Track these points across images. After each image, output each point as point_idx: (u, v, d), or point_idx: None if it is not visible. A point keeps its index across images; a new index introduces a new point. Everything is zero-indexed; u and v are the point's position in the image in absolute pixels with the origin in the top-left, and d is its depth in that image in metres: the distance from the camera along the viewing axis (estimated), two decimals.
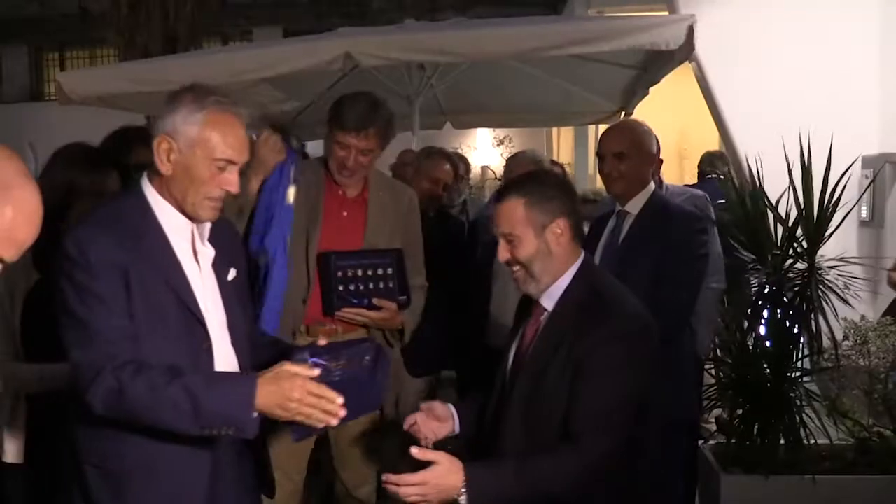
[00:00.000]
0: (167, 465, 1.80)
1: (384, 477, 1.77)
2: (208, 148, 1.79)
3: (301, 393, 1.67)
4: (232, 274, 1.97)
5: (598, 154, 2.85)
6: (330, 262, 2.63)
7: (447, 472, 1.76)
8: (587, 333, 1.87)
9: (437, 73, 4.97)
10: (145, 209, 1.83)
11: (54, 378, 2.19)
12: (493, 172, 10.74)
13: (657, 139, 2.93)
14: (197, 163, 1.79)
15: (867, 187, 3.74)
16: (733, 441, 3.20)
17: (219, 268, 1.92)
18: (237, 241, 2.16)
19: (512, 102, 6.23)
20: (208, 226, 1.90)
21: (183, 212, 1.84)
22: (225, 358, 1.91)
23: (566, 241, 1.98)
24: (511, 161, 3.70)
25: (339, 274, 2.61)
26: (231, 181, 1.83)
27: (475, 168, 11.04)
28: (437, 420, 2.13)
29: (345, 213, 2.77)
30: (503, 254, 1.98)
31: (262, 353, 2.04)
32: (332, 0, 13.19)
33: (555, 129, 10.99)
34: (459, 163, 4.39)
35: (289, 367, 1.70)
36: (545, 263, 1.96)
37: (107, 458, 1.80)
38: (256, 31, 13.83)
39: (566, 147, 10.88)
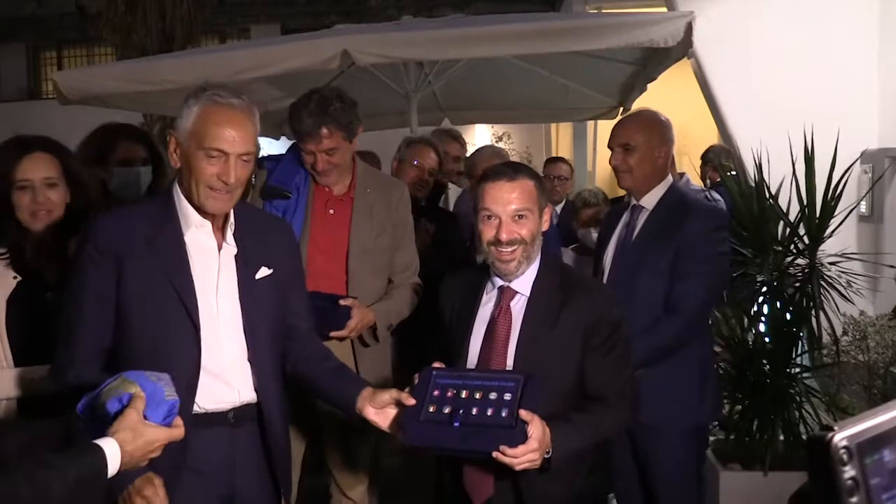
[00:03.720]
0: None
1: (495, 455, 1.80)
2: (199, 138, 1.87)
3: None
4: (263, 272, 2.00)
5: (610, 146, 2.72)
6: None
7: (544, 433, 1.83)
8: (587, 308, 2.03)
9: (435, 69, 4.96)
10: (168, 204, 1.95)
11: (43, 381, 2.15)
12: None
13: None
14: (192, 154, 1.88)
15: (873, 185, 3.73)
16: (732, 437, 3.20)
17: (245, 265, 1.97)
18: (284, 239, 2.15)
19: (510, 98, 6.21)
20: (231, 222, 1.98)
21: (193, 204, 1.92)
22: (234, 360, 1.95)
23: (549, 221, 2.10)
24: (475, 156, 3.68)
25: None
26: (225, 172, 1.87)
27: None
28: None
29: (331, 212, 2.78)
30: (514, 230, 1.99)
31: (321, 377, 2.07)
32: None
33: (553, 125, 10.93)
34: (458, 145, 4.32)
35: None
36: (537, 244, 2.06)
37: None
38: (254, 28, 13.79)
39: (565, 143, 10.85)
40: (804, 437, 3.04)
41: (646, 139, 2.64)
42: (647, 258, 2.59)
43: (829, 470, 0.77)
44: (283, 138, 6.24)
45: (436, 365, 1.98)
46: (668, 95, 6.25)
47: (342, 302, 2.59)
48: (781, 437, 3.07)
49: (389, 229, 2.81)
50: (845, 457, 0.77)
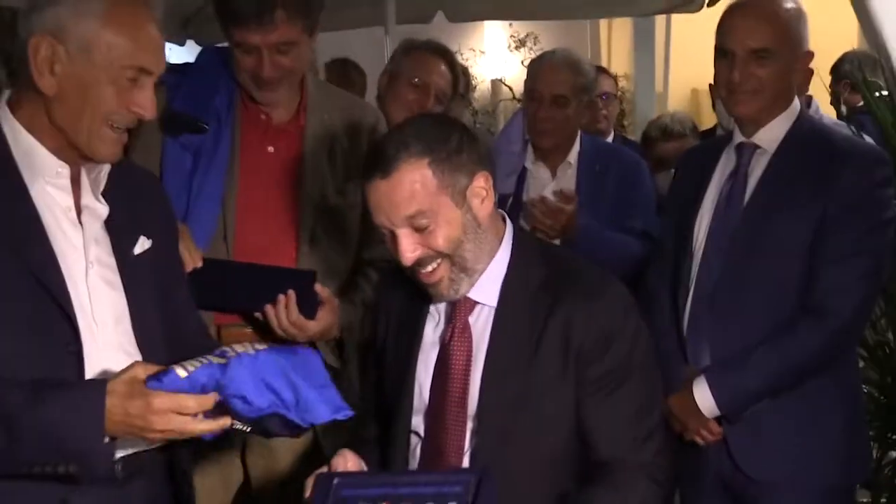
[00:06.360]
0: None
1: None
2: (112, 51, 1.86)
3: (164, 422, 1.77)
4: (142, 245, 2.05)
5: (723, 49, 2.65)
6: None
7: None
8: (582, 319, 2.02)
9: None
10: None
11: None
12: (511, 90, 10.64)
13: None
14: (96, 73, 1.87)
15: None
16: (884, 500, 3.17)
17: (118, 236, 2.01)
18: (159, 199, 2.22)
19: None
20: (104, 173, 1.99)
21: (73, 147, 1.92)
22: (117, 365, 1.93)
23: (490, 203, 2.08)
24: (536, 65, 3.66)
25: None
26: (145, 101, 1.92)
27: (483, 83, 10.94)
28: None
29: (270, 149, 2.78)
30: (411, 250, 1.99)
31: None
32: None
33: (603, 24, 10.89)
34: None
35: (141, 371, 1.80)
36: (477, 242, 2.05)
37: None
38: None
39: (621, 51, 10.80)
40: None
41: (787, 41, 2.61)
42: (772, 227, 2.56)
43: None
44: (191, 43, 6.20)
45: (340, 466, 2.03)
46: None
47: (317, 287, 2.61)
48: None
49: (359, 176, 2.78)
50: None
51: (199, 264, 2.53)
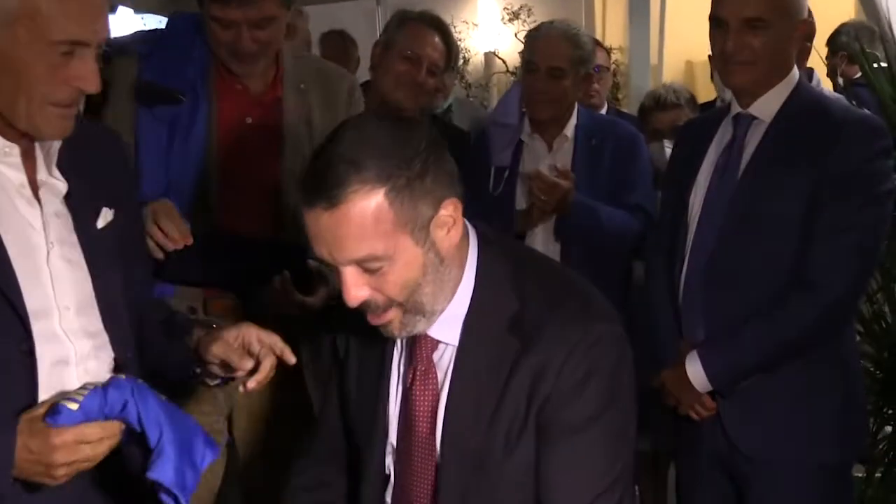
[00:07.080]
0: None
1: None
2: (39, 25, 1.74)
3: (66, 454, 1.69)
4: (105, 218, 1.98)
5: (718, 19, 2.61)
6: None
7: None
8: (558, 369, 1.75)
9: None
10: None
11: None
12: (504, 62, 10.60)
13: None
14: (22, 51, 1.76)
15: None
16: (879, 474, 3.20)
17: (79, 210, 1.93)
18: (119, 161, 2.15)
19: None
20: (56, 146, 1.90)
21: (14, 128, 1.82)
22: (83, 358, 1.89)
23: (458, 232, 1.77)
24: (533, 37, 3.63)
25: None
26: (84, 73, 1.80)
27: (476, 55, 10.90)
28: None
29: (248, 121, 2.77)
30: (357, 291, 1.70)
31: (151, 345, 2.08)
32: None
33: None
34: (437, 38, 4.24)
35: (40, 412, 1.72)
36: (438, 283, 1.76)
37: None
38: None
39: (615, 23, 10.76)
40: None
41: (782, 10, 2.56)
42: (767, 198, 2.54)
43: None
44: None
45: None
46: None
47: (311, 263, 2.60)
48: None
49: None
50: None
51: (190, 241, 2.49)
